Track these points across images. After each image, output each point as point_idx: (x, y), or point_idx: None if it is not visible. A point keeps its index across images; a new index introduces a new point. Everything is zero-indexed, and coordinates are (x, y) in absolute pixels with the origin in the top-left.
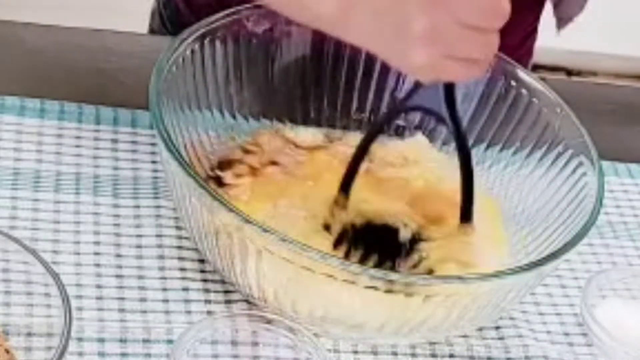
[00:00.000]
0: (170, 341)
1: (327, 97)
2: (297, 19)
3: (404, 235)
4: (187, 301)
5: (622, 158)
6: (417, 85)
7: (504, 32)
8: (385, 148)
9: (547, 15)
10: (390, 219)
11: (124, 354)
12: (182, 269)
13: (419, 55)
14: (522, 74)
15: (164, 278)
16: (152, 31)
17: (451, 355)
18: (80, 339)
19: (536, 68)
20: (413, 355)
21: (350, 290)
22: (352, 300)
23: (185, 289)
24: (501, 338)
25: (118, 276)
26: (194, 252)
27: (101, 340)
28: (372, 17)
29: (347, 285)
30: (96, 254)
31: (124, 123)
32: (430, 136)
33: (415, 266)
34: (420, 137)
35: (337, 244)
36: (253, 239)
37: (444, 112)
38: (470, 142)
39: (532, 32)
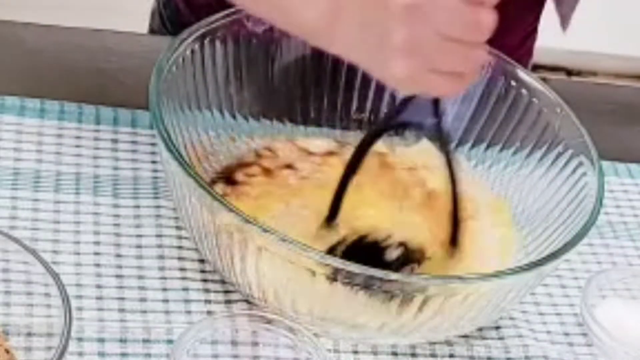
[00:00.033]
0: (170, 341)
1: (327, 97)
2: (282, 28)
3: (390, 256)
4: (187, 301)
5: (622, 158)
6: (403, 102)
7: (504, 32)
8: (394, 155)
9: (547, 15)
10: (381, 235)
11: (124, 354)
12: (182, 269)
13: (398, 66)
14: (522, 74)
15: (164, 278)
16: (152, 31)
17: (451, 355)
18: (80, 339)
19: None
20: (413, 355)
21: (350, 290)
22: (352, 300)
23: (185, 289)
24: (501, 338)
25: (118, 276)
26: (194, 252)
27: (101, 340)
28: (357, 28)
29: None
30: (96, 254)
31: (124, 123)
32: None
33: None
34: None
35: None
36: (253, 239)
37: (432, 128)
38: (470, 142)
39: (532, 32)
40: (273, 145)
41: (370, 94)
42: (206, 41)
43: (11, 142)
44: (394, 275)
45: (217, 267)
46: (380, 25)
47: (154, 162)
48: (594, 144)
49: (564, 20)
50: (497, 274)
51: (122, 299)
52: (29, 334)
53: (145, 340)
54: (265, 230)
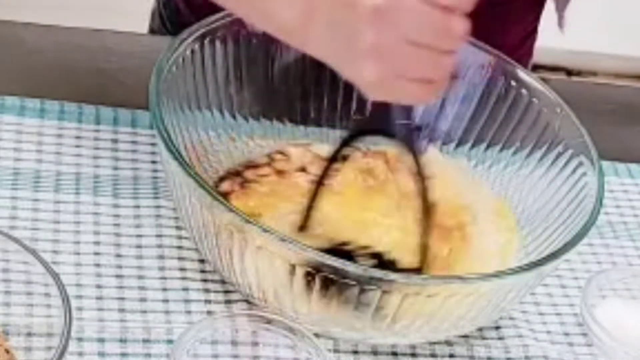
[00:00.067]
0: (170, 341)
1: (327, 97)
2: (263, 29)
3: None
4: (187, 301)
5: (622, 158)
6: (375, 106)
7: (504, 32)
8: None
9: (547, 15)
10: (355, 245)
11: (124, 354)
12: (182, 269)
13: (366, 70)
14: (522, 74)
15: (164, 278)
16: (152, 31)
17: (451, 355)
18: (80, 339)
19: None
20: (413, 355)
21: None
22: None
23: (185, 289)
24: (501, 338)
25: (118, 276)
26: (194, 252)
27: (101, 340)
28: (326, 27)
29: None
30: (96, 254)
31: (124, 123)
32: (430, 136)
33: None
34: (435, 151)
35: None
36: (253, 239)
37: (404, 134)
38: (470, 142)
39: (532, 32)
40: (287, 150)
41: None
42: (206, 41)
43: (11, 142)
44: (393, 275)
45: (217, 267)
46: (348, 26)
47: (154, 162)
48: (594, 144)
49: (560, 20)
50: (497, 274)
51: (122, 299)
52: (29, 334)
53: (145, 340)
54: (265, 230)
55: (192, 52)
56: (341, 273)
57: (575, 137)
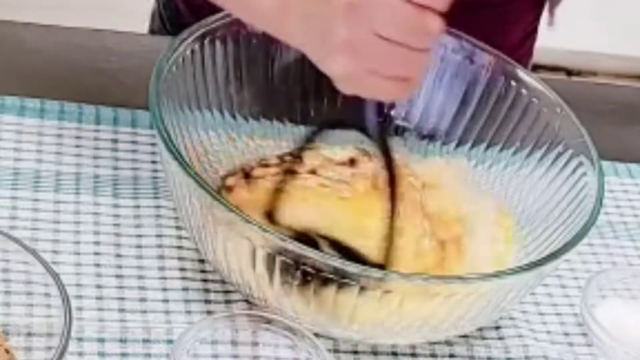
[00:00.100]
0: (170, 341)
1: (327, 97)
2: (245, 20)
3: None
4: (187, 301)
5: (622, 158)
6: (346, 100)
7: (504, 32)
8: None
9: (547, 16)
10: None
11: (124, 354)
12: (182, 269)
13: (338, 64)
14: (522, 74)
15: (164, 278)
16: (152, 32)
17: (451, 355)
18: (80, 339)
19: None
20: (413, 355)
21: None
22: (352, 300)
23: (185, 289)
24: (501, 338)
25: (118, 276)
26: (194, 252)
27: (101, 340)
28: (301, 19)
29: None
30: (96, 254)
31: (124, 123)
32: (430, 136)
33: None
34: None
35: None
36: (253, 239)
37: (375, 130)
38: (470, 142)
39: (532, 32)
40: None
41: None
42: (206, 41)
43: (11, 142)
44: (392, 275)
45: (217, 267)
46: (322, 19)
47: (154, 162)
48: (594, 144)
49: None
50: (497, 274)
51: (122, 299)
52: (29, 334)
53: (145, 340)
54: (265, 230)
55: (192, 52)
56: (339, 273)
57: (575, 137)
